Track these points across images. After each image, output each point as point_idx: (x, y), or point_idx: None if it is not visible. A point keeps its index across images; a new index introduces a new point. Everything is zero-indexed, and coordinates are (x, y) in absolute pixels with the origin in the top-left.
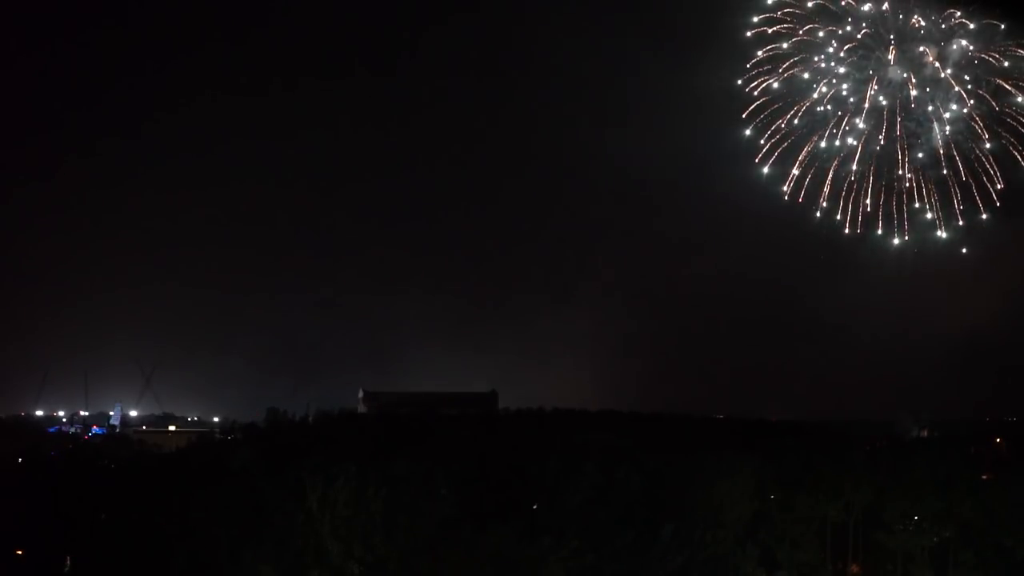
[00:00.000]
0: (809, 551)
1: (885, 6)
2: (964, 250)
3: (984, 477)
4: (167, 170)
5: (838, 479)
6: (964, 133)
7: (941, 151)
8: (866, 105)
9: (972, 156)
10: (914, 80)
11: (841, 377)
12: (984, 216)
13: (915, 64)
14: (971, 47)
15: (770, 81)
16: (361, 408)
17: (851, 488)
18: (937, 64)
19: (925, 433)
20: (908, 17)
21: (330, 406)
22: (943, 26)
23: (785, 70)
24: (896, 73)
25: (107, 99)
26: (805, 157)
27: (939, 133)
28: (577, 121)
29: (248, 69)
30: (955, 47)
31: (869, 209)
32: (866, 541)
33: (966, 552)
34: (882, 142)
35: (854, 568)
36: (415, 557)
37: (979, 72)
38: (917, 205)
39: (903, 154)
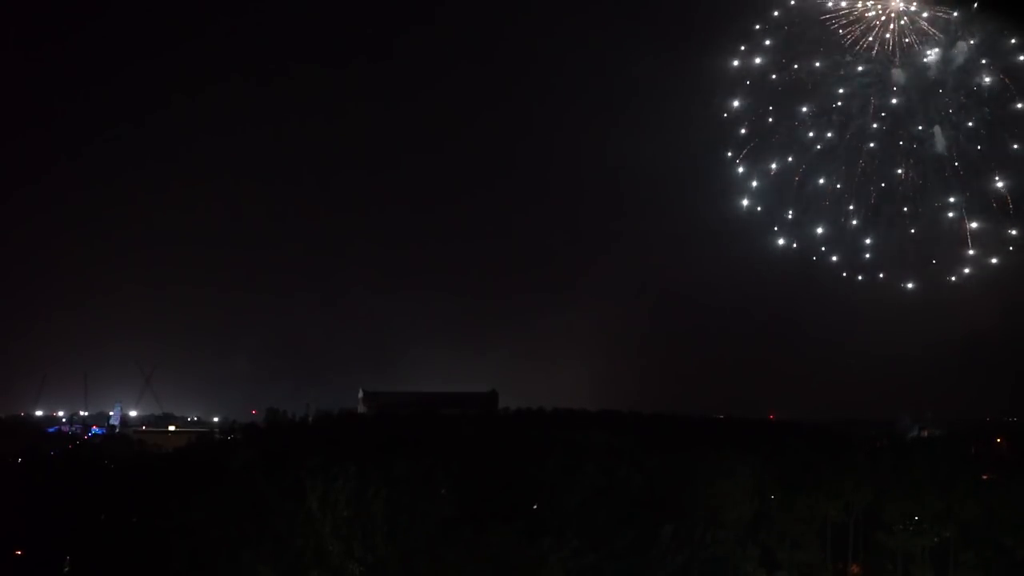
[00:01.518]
0: (809, 551)
1: (887, 35)
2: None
3: (984, 477)
4: (167, 171)
5: (838, 479)
6: (972, 156)
7: (947, 171)
8: (871, 140)
9: (985, 191)
10: (916, 94)
11: (841, 377)
12: (995, 261)
13: (920, 77)
14: (978, 53)
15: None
16: (361, 408)
17: (851, 488)
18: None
19: (925, 433)
20: (915, 28)
21: (330, 406)
22: (947, 33)
23: (780, 98)
24: (900, 78)
25: (105, 99)
26: (799, 196)
27: (941, 144)
28: (578, 123)
29: (249, 70)
30: (960, 56)
31: (869, 256)
32: (866, 541)
33: (966, 552)
34: (883, 185)
35: (854, 568)
36: (415, 557)
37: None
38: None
39: (906, 186)
